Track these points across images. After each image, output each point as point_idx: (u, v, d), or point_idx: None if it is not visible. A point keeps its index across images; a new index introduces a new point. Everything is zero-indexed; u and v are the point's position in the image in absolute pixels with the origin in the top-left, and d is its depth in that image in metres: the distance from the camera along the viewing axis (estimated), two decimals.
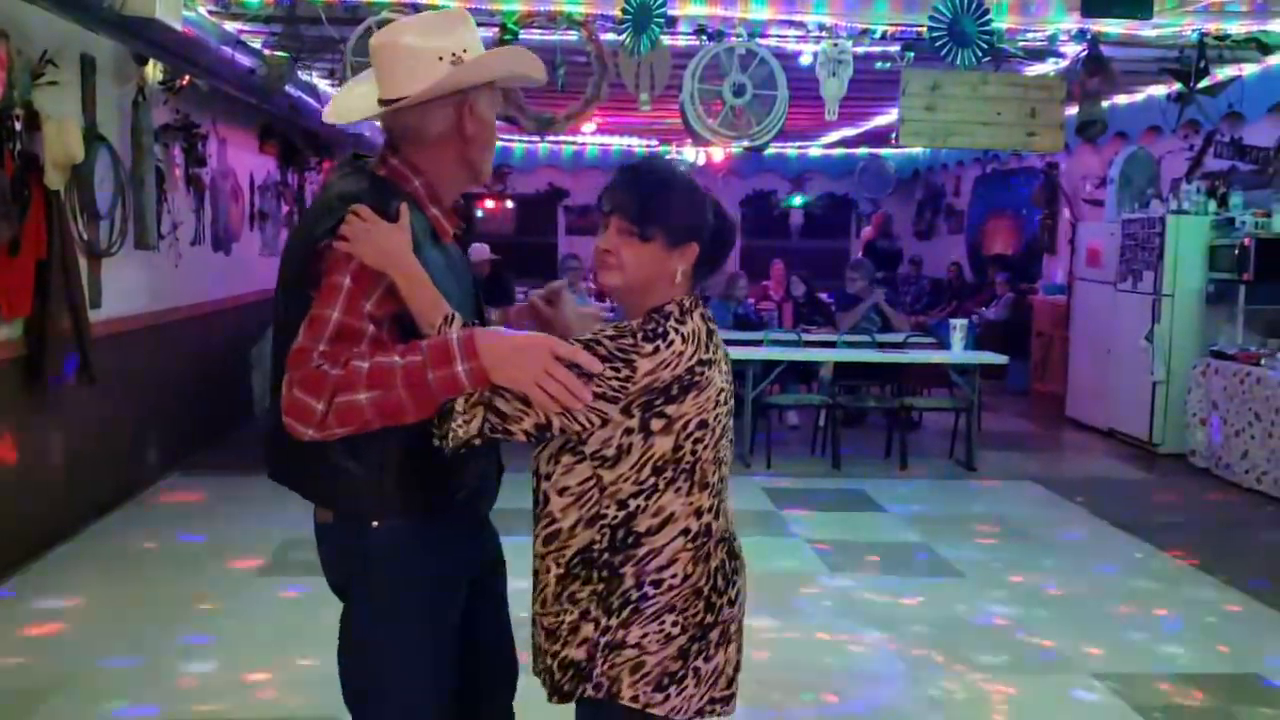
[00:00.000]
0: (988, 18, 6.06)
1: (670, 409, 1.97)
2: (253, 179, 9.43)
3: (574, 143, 14.47)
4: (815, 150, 15.43)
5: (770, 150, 13.69)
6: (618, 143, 14.46)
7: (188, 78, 6.96)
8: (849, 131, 13.06)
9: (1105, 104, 7.73)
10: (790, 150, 15.36)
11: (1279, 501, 7.18)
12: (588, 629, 2.03)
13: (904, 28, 6.58)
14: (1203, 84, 7.21)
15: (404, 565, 2.09)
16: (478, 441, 1.95)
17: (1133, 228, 9.04)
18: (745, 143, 6.93)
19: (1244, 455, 7.61)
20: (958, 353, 8.10)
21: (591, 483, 2.00)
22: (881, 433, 8.71)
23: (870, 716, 4.03)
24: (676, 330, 1.99)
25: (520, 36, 6.44)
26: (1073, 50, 7.08)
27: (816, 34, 6.78)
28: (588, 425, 1.94)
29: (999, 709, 4.07)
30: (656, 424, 1.97)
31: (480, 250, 11.69)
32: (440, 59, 2.07)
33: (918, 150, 14.10)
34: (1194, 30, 6.81)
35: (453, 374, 1.90)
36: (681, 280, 2.07)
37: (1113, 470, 8.33)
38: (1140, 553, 6.11)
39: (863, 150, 14.99)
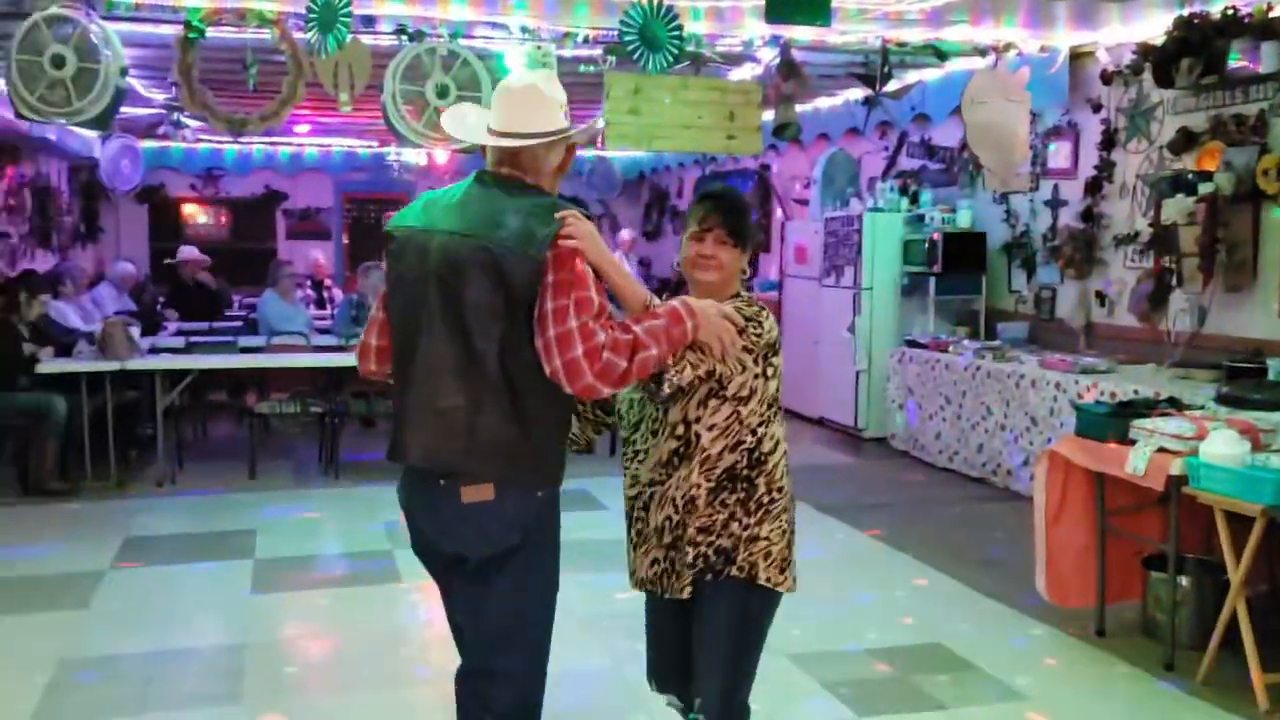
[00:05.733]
0: (677, 23, 6.19)
1: (775, 360, 2.76)
2: None
3: (291, 144, 13.90)
4: None
5: None
6: (337, 144, 14.00)
7: None
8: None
9: (803, 107, 8.09)
10: None
11: (968, 479, 7.73)
12: (734, 526, 2.72)
13: (605, 31, 6.65)
14: (888, 88, 7.66)
15: (555, 523, 2.65)
16: (686, 385, 2.58)
17: (834, 225, 9.52)
18: (456, 144, 6.82)
19: (937, 436, 8.15)
20: None
21: (733, 417, 2.70)
22: None
23: (572, 716, 4.03)
24: (763, 305, 2.78)
25: (207, 34, 6.10)
26: (768, 56, 7.35)
27: (520, 36, 6.75)
28: (733, 371, 2.65)
29: None
30: (769, 370, 2.74)
31: (190, 251, 11.10)
32: (560, 107, 2.59)
33: (642, 152, 14.37)
34: (876, 38, 7.20)
35: (685, 330, 2.52)
36: (742, 274, 2.86)
37: (822, 456, 8.75)
38: (842, 534, 6.44)
39: (590, 152, 15.15)
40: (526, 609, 2.63)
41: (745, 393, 2.70)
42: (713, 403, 2.69)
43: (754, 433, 2.73)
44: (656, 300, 2.62)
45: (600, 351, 2.38)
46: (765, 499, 2.76)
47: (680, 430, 2.71)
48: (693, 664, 2.83)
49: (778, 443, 2.79)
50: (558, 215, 2.46)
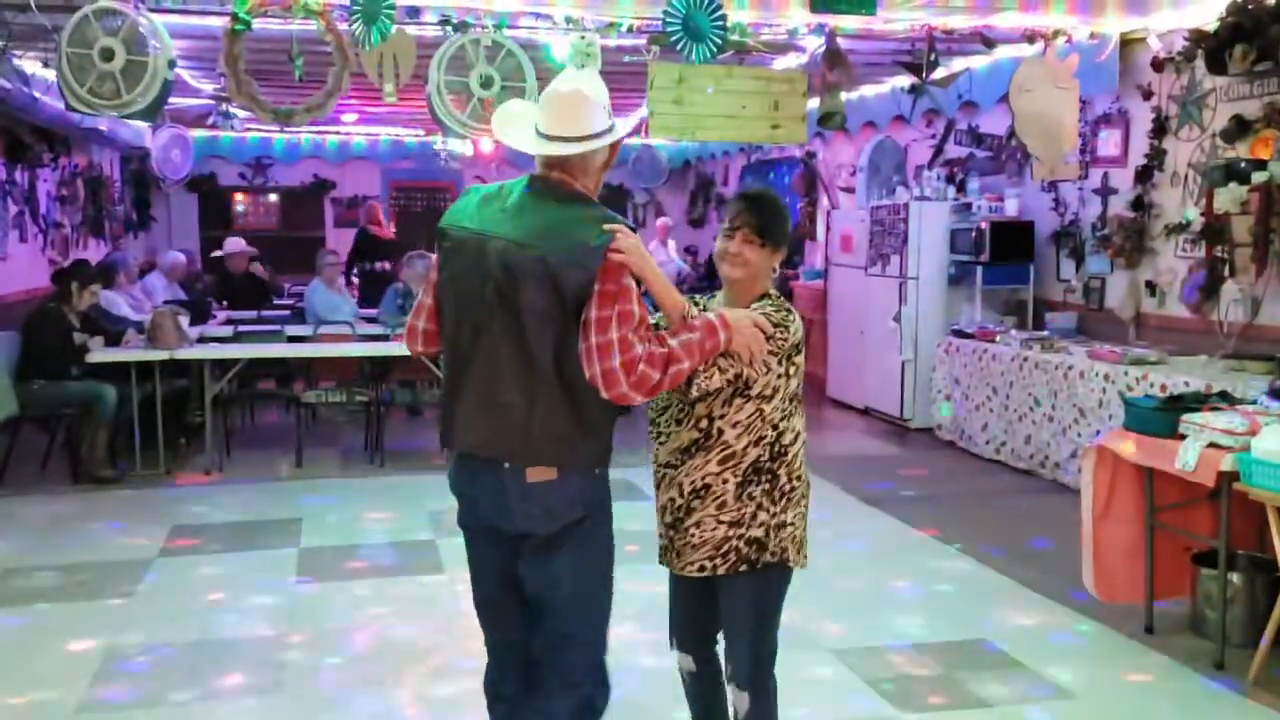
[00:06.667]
0: (720, 12, 6.14)
1: (797, 359, 2.89)
2: None
3: (339, 133, 14.01)
4: None
5: None
6: (385, 133, 14.09)
7: None
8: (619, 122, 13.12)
9: (848, 95, 7.99)
10: None
11: (1015, 471, 7.64)
12: (763, 515, 2.89)
13: (648, 21, 6.60)
14: (935, 76, 7.55)
15: (609, 498, 2.84)
16: (714, 390, 2.75)
17: (880, 214, 9.44)
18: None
19: (984, 428, 8.07)
20: None
21: (756, 415, 2.84)
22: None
23: (615, 707, 4.03)
24: (790, 308, 2.89)
25: (254, 26, 6.14)
26: (813, 44, 7.28)
27: (564, 26, 6.73)
28: (759, 373, 2.79)
29: None
30: (791, 369, 2.88)
31: (236, 244, 11.21)
32: (603, 107, 2.72)
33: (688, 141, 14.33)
34: (922, 25, 7.10)
35: (718, 342, 2.69)
36: (772, 273, 2.96)
37: (867, 447, 8.69)
38: (885, 527, 6.38)
39: (636, 141, 15.13)
40: (593, 578, 2.84)
41: (769, 391, 2.85)
42: (737, 401, 2.84)
43: (775, 427, 2.89)
44: (695, 311, 2.78)
45: (636, 364, 2.57)
46: (787, 487, 2.93)
47: (703, 424, 2.87)
48: (725, 637, 3.09)
49: (797, 435, 2.95)
50: (608, 227, 2.62)
